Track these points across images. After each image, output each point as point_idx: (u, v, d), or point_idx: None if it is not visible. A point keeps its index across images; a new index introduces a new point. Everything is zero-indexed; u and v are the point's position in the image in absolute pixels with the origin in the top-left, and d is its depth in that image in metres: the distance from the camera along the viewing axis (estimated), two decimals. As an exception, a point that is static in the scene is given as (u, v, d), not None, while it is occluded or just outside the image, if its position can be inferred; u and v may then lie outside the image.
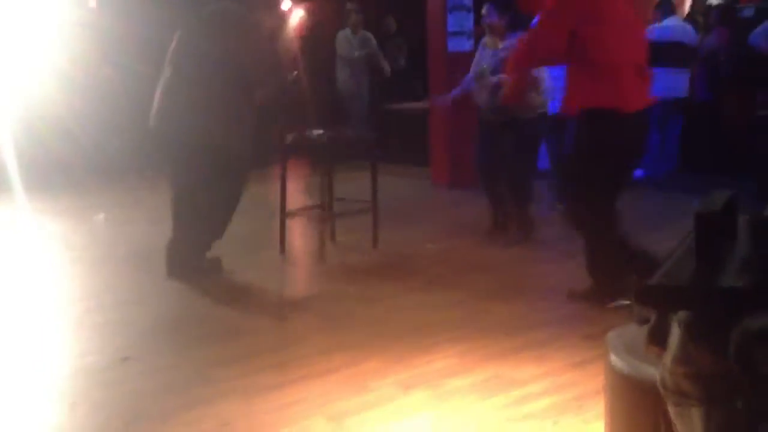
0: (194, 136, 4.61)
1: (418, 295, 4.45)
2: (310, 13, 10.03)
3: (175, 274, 4.83)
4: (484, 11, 5.56)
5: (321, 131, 5.40)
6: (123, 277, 5.05)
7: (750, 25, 7.71)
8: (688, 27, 7.45)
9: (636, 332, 1.94)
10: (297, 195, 6.67)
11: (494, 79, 5.31)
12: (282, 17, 8.88)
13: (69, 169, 7.84)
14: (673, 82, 7.17)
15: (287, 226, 5.52)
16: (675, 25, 7.29)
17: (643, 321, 1.95)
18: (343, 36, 9.41)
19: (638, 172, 7.28)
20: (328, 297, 4.53)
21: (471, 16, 7.65)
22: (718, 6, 8.92)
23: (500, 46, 5.42)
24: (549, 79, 5.43)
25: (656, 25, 7.01)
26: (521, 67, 4.35)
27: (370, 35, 9.53)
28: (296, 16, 9.76)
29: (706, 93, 7.61)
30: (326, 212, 5.62)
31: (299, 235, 5.94)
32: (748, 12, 8.81)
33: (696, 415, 1.37)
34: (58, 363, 3.65)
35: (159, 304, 4.49)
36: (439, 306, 4.24)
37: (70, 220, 6.72)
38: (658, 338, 1.48)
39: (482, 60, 5.57)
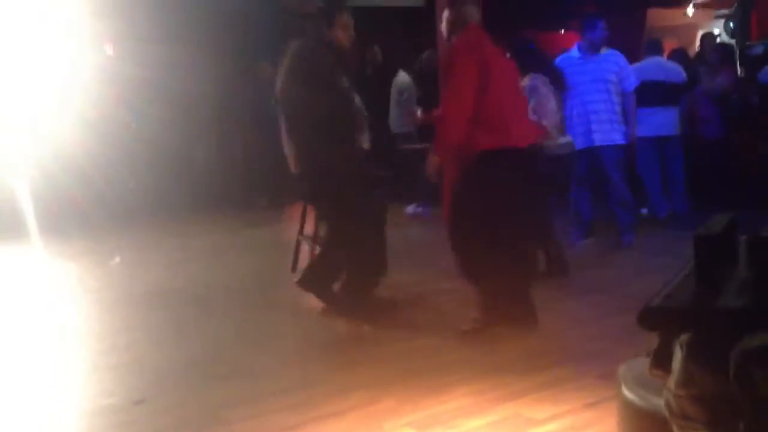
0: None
1: (431, 334, 4.41)
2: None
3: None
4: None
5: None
6: (138, 318, 5.08)
7: (760, 62, 7.75)
8: (671, 65, 7.46)
9: (646, 365, 1.94)
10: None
11: None
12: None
13: (85, 212, 7.93)
14: (663, 120, 7.18)
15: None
16: (658, 65, 7.29)
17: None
18: (404, 77, 9.31)
19: (642, 211, 7.31)
20: (343, 336, 4.53)
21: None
22: (721, 45, 8.98)
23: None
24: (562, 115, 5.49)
25: (637, 65, 7.02)
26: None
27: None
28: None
29: (718, 131, 7.62)
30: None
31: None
32: (758, 50, 8.88)
33: (701, 438, 1.37)
34: (73, 405, 3.66)
35: (173, 344, 4.51)
36: (452, 345, 4.21)
37: (85, 263, 6.78)
38: (661, 362, 1.49)
39: None
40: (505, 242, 4.21)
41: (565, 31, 13.75)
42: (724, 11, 12.94)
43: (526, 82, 5.33)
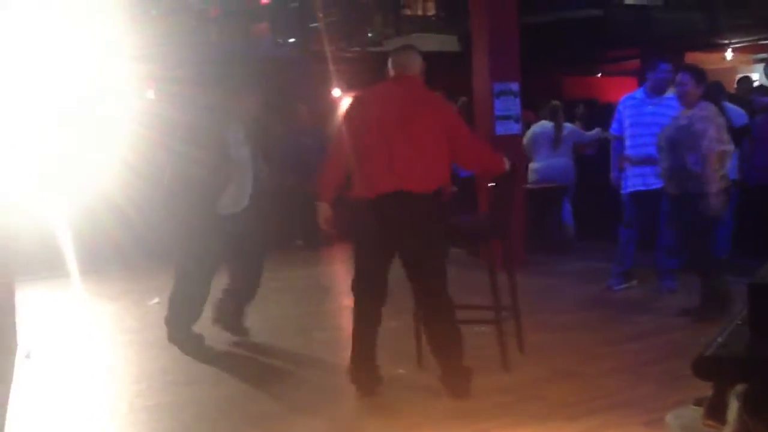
0: None
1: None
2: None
3: None
4: (679, 78, 5.52)
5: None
6: (176, 359, 5.07)
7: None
8: (733, 108, 7.39)
9: (694, 413, 1.89)
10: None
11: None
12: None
13: (124, 252, 8.01)
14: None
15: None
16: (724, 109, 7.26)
17: (701, 401, 1.90)
18: None
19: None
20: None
21: (518, 101, 7.76)
22: (759, 88, 8.89)
23: (688, 113, 5.40)
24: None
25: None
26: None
27: None
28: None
29: (764, 175, 7.50)
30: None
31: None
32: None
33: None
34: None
35: (211, 385, 4.50)
36: (490, 391, 4.15)
37: (124, 303, 6.84)
38: (716, 413, 1.45)
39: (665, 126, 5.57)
40: None
41: (602, 75, 13.76)
42: (763, 55, 12.88)
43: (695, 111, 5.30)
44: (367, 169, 4.09)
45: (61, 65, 8.20)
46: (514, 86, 7.73)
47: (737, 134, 7.17)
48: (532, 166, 8.90)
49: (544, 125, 8.94)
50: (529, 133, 8.95)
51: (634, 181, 6.23)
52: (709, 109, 5.33)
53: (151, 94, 10.32)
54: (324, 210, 4.22)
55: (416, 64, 4.32)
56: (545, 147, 8.82)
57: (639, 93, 6.44)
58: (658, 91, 6.24)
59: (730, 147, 5.32)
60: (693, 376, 4.07)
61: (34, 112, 6.81)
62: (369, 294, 4.14)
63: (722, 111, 6.37)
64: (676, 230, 5.60)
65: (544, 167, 8.76)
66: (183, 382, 4.59)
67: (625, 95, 6.68)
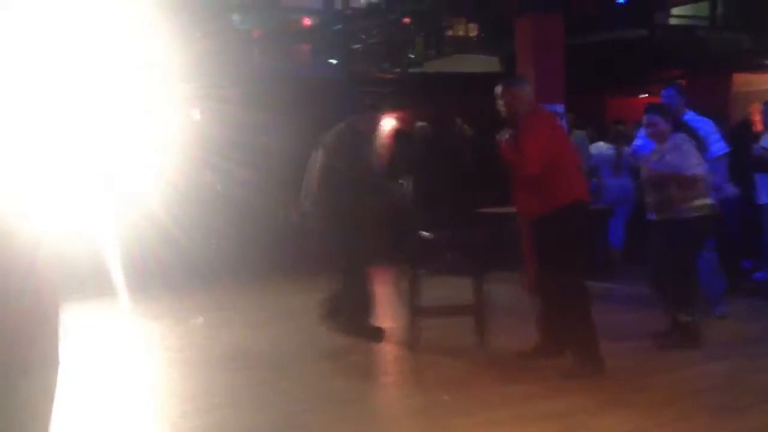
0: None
1: (515, 406, 4.28)
2: (400, 121, 10.27)
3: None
4: (647, 120, 5.64)
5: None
6: (219, 380, 5.08)
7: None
8: None
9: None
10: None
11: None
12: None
13: (169, 271, 8.07)
14: None
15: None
16: None
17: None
18: None
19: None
20: (421, 407, 4.43)
21: (564, 122, 7.69)
22: None
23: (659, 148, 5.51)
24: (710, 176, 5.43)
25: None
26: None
27: None
28: (388, 125, 9.99)
29: None
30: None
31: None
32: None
33: None
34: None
35: (254, 409, 4.48)
36: (538, 418, 4.08)
37: (168, 322, 6.87)
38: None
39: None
40: None
41: (647, 96, 13.61)
42: (813, 75, 12.66)
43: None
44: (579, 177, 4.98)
45: (108, 86, 8.32)
46: (559, 108, 7.67)
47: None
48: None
49: (600, 147, 9.00)
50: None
51: None
52: (675, 139, 5.41)
53: (196, 113, 10.42)
54: None
55: None
56: (605, 168, 8.88)
57: None
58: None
59: (699, 171, 5.27)
60: (745, 408, 3.99)
61: (84, 133, 6.91)
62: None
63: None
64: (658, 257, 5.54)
65: (606, 188, 8.79)
66: (227, 404, 4.57)
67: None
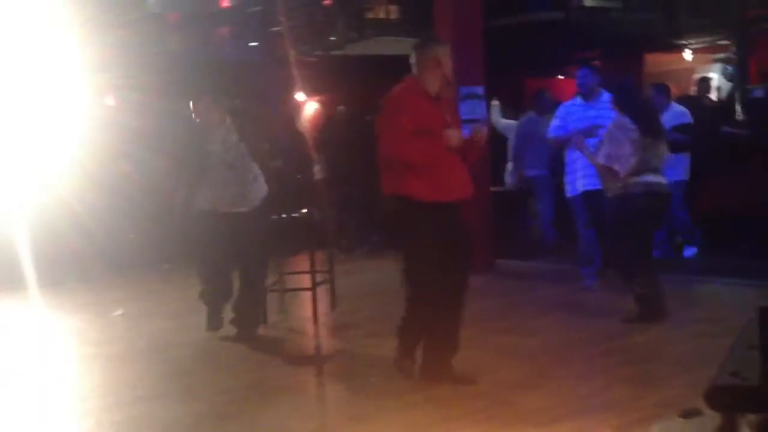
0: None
1: (436, 387, 4.23)
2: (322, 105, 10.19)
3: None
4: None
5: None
6: (141, 372, 4.98)
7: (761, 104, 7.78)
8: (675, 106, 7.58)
9: (683, 427, 1.85)
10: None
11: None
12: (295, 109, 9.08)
13: (85, 263, 7.86)
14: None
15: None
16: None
17: (688, 414, 1.86)
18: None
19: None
20: (355, 389, 4.42)
21: (483, 103, 7.75)
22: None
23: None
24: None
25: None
26: None
27: None
28: (310, 108, 9.91)
29: None
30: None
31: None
32: (758, 93, 8.92)
33: None
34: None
35: (179, 399, 4.40)
36: (461, 396, 4.10)
37: (86, 316, 6.69)
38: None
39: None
40: None
41: (564, 77, 13.84)
42: (722, 55, 13.05)
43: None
44: (442, 175, 4.15)
45: (16, 73, 8.04)
46: (479, 89, 7.71)
47: (679, 131, 7.28)
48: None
49: (532, 118, 8.69)
50: (517, 129, 8.70)
51: (585, 181, 6.27)
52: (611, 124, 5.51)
53: (110, 101, 10.14)
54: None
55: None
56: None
57: (577, 100, 6.66)
58: (587, 95, 6.47)
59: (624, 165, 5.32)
60: (664, 379, 4.09)
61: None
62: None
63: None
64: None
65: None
66: (151, 396, 4.48)
67: (564, 103, 6.93)
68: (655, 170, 5.42)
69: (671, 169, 6.13)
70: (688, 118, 7.43)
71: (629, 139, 5.30)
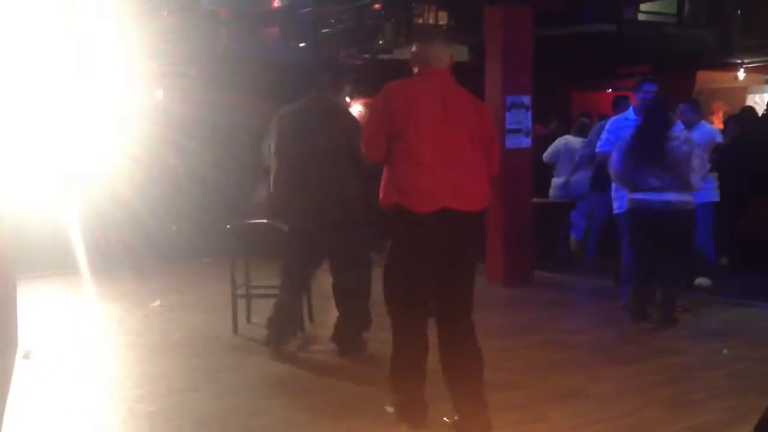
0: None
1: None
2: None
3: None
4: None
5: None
6: (177, 364, 5.04)
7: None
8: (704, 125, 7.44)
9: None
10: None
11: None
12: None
13: (131, 253, 7.98)
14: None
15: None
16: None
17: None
18: None
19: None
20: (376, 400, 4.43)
21: (529, 114, 7.71)
22: None
23: None
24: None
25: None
26: None
27: None
28: (355, 111, 9.95)
29: None
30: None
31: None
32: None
33: None
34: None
35: (212, 393, 4.45)
36: (495, 410, 4.04)
37: (126, 305, 6.78)
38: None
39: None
40: None
41: (612, 91, 13.72)
42: (775, 75, 12.86)
43: None
44: (423, 180, 3.59)
45: (70, 65, 8.18)
46: (526, 99, 7.68)
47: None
48: (556, 181, 8.87)
49: (569, 140, 8.89)
50: (553, 147, 8.96)
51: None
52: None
53: (159, 94, 10.28)
54: None
55: (446, 57, 3.83)
56: (568, 162, 8.75)
57: (630, 114, 6.51)
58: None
59: None
60: (699, 402, 4.03)
61: (46, 112, 6.78)
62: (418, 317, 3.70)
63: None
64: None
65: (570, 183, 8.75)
66: (185, 388, 4.54)
67: (615, 117, 6.87)
68: (653, 189, 5.69)
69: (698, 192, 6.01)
70: (718, 138, 7.26)
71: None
